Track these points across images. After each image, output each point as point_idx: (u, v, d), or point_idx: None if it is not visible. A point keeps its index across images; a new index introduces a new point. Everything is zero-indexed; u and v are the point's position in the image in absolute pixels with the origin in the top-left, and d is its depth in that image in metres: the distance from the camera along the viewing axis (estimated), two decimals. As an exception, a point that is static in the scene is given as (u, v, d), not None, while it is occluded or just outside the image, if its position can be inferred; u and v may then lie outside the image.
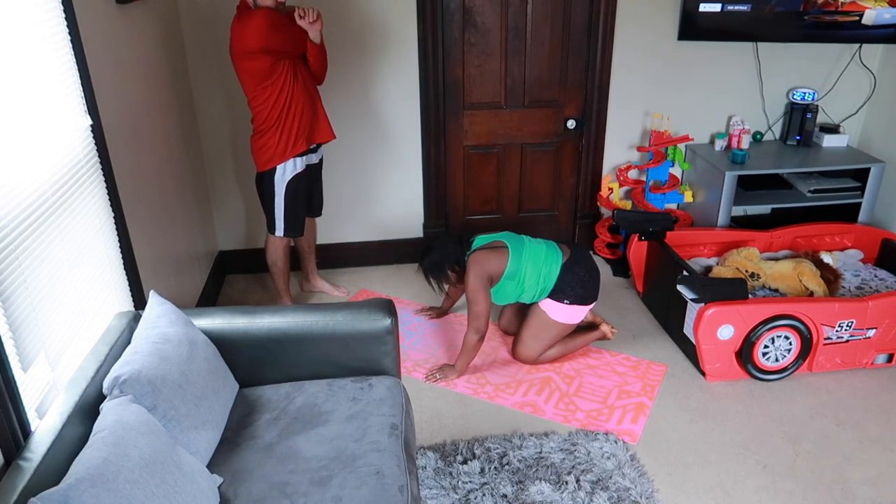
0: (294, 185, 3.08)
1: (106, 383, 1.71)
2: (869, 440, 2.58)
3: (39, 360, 1.69)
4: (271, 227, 3.19)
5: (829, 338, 2.85)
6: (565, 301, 2.89)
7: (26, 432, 1.57)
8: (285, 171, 3.04)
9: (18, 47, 1.70)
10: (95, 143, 2.14)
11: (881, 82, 3.78)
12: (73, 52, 2.01)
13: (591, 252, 3.01)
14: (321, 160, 3.27)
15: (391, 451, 1.88)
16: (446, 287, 3.19)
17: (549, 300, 2.91)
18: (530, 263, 2.86)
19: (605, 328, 3.11)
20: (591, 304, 2.97)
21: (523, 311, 3.10)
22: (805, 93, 3.79)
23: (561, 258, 2.89)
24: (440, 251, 2.97)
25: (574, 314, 2.93)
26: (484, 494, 2.28)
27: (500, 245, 2.91)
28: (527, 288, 2.90)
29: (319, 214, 3.46)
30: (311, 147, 3.11)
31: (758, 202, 3.71)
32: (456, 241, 3.01)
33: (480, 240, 2.98)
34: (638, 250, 3.44)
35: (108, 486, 1.39)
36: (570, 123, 3.80)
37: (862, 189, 3.64)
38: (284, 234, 3.20)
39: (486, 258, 2.87)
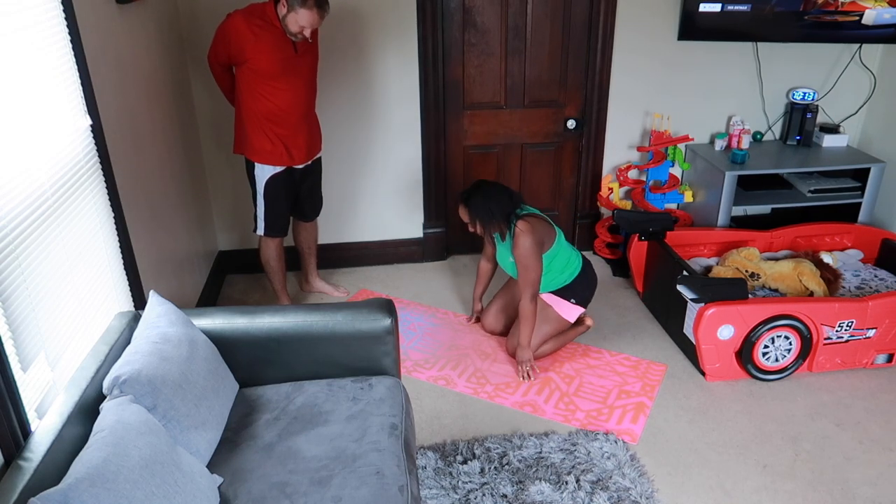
0: (273, 184, 3.07)
1: (106, 383, 1.71)
2: (869, 440, 2.58)
3: (39, 360, 1.69)
4: (255, 226, 3.19)
5: (829, 338, 2.85)
6: (572, 300, 3.01)
7: (26, 432, 1.57)
8: (265, 170, 3.04)
9: (18, 47, 1.70)
10: (95, 143, 2.14)
11: (881, 82, 3.78)
12: (72, 52, 2.01)
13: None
14: (314, 164, 3.23)
15: (391, 451, 1.88)
16: (478, 230, 2.91)
17: (556, 297, 3.00)
18: (563, 252, 2.96)
19: (588, 320, 3.17)
20: (586, 307, 3.10)
21: (507, 309, 3.17)
22: (805, 93, 3.79)
23: (581, 261, 3.03)
24: (495, 198, 2.81)
25: (573, 313, 3.04)
26: (484, 494, 2.28)
27: (546, 220, 2.92)
28: (551, 273, 2.94)
29: (311, 219, 3.42)
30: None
31: (758, 202, 3.71)
32: (508, 195, 2.85)
33: (527, 207, 2.93)
34: (638, 250, 3.44)
35: (108, 486, 1.39)
36: (570, 123, 3.80)
37: (862, 189, 3.64)
38: (265, 234, 3.19)
39: (540, 224, 2.85)
